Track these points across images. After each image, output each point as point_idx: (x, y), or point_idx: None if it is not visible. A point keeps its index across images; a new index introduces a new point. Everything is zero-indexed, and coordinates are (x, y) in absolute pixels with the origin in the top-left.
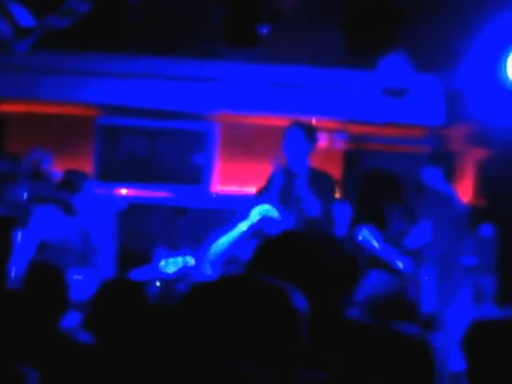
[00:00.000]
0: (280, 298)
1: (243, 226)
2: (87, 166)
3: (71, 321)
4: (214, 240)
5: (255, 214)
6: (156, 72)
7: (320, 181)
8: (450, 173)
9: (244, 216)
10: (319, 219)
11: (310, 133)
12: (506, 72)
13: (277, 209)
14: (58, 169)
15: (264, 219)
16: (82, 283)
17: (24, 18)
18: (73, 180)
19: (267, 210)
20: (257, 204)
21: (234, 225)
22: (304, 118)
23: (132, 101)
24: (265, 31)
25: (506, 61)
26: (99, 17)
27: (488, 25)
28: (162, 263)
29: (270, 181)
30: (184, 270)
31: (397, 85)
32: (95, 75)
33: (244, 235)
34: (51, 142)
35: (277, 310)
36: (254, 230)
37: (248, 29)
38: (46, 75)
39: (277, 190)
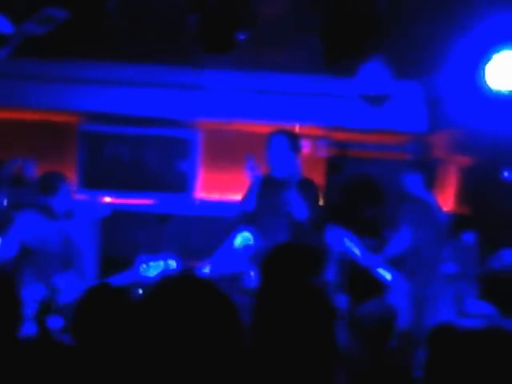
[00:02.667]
0: (217, 301)
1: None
2: (71, 173)
3: (54, 324)
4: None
5: (238, 242)
6: (140, 79)
7: (305, 187)
8: (431, 180)
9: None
10: (307, 224)
11: (294, 140)
12: (486, 78)
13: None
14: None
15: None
16: (64, 288)
17: (2, 24)
18: (49, 182)
19: (248, 238)
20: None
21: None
22: (287, 125)
23: (116, 108)
24: (242, 37)
25: (485, 68)
26: (81, 23)
27: (468, 32)
28: (143, 267)
29: (250, 187)
30: (166, 274)
31: (376, 92)
32: (79, 82)
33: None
34: (34, 149)
35: (212, 312)
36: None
37: (225, 35)
38: (29, 82)
39: (255, 197)
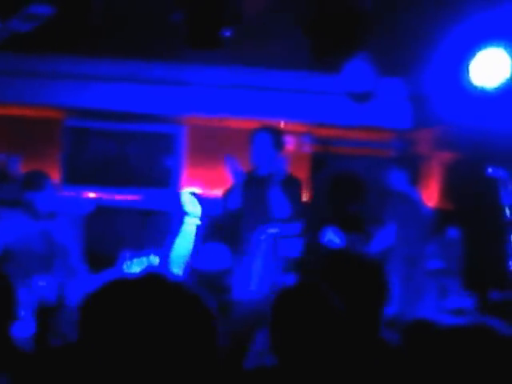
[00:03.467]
0: (193, 300)
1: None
2: (55, 168)
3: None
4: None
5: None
6: (124, 75)
7: (289, 185)
8: (415, 176)
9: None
10: (289, 221)
11: (277, 137)
12: (470, 75)
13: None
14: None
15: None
16: (45, 289)
17: None
18: (33, 180)
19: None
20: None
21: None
22: (271, 121)
23: (100, 103)
24: (228, 34)
25: (470, 64)
26: (66, 19)
27: (452, 29)
28: (127, 264)
29: (233, 185)
30: (149, 270)
31: (361, 88)
32: (63, 78)
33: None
34: (18, 144)
35: (188, 312)
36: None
37: (211, 31)
38: (14, 77)
39: (239, 192)
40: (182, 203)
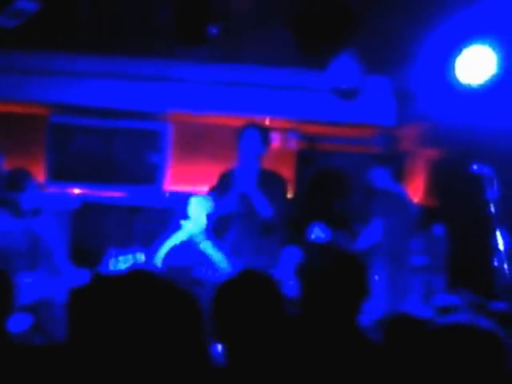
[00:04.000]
0: (181, 297)
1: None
2: (40, 165)
3: (23, 324)
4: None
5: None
6: (110, 71)
7: (270, 182)
8: (399, 173)
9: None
10: (271, 220)
11: (265, 135)
12: (455, 72)
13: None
14: (9, 168)
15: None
16: (31, 286)
17: None
18: (15, 179)
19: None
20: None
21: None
22: (257, 118)
23: (85, 100)
24: (214, 31)
25: (455, 61)
26: (51, 15)
27: (438, 26)
28: (112, 261)
29: (223, 180)
30: (135, 267)
31: (347, 85)
32: (49, 74)
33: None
34: (3, 140)
35: (176, 308)
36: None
37: (198, 28)
38: None
39: (230, 190)
40: (189, 207)
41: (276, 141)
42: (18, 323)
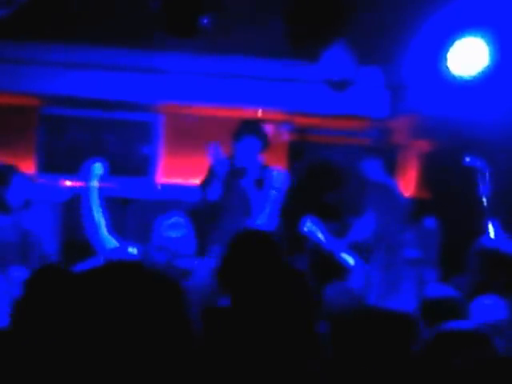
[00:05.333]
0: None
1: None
2: (30, 156)
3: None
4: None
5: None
6: (101, 62)
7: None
8: (390, 165)
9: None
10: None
11: (265, 140)
12: (448, 64)
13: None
14: (0, 160)
15: None
16: (21, 280)
17: None
18: (2, 174)
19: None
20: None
21: None
22: (249, 110)
23: (77, 91)
24: (206, 22)
25: (447, 53)
26: (41, 5)
27: (430, 18)
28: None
29: (212, 172)
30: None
31: (339, 77)
32: (39, 64)
33: None
34: None
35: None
36: None
37: (189, 19)
38: None
39: (220, 183)
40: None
41: (268, 133)
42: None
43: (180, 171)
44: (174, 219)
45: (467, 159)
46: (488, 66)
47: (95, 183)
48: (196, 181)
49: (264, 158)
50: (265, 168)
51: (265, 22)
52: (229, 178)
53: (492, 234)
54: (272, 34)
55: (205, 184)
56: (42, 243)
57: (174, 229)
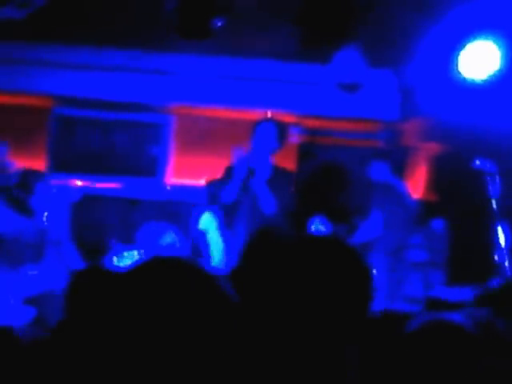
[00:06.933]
0: (211, 286)
1: None
2: (42, 156)
3: (25, 316)
4: None
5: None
6: (112, 64)
7: (277, 178)
8: (399, 167)
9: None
10: (275, 217)
11: (282, 130)
12: (459, 68)
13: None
14: (12, 159)
15: None
16: (36, 278)
17: None
18: (27, 180)
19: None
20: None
21: None
22: (259, 112)
23: (88, 92)
24: (219, 24)
25: (459, 57)
26: (56, 7)
27: (442, 21)
28: (116, 258)
29: (230, 172)
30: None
31: (351, 79)
32: (52, 66)
33: None
34: (5, 132)
35: (206, 298)
36: None
37: (202, 21)
38: (2, 65)
39: (237, 186)
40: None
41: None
42: (20, 316)
43: (190, 172)
44: (164, 226)
45: (477, 162)
46: (499, 70)
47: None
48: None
49: (274, 159)
50: (276, 169)
51: (276, 24)
52: (244, 181)
53: (501, 237)
54: (283, 36)
55: (219, 186)
56: (58, 242)
57: (165, 235)
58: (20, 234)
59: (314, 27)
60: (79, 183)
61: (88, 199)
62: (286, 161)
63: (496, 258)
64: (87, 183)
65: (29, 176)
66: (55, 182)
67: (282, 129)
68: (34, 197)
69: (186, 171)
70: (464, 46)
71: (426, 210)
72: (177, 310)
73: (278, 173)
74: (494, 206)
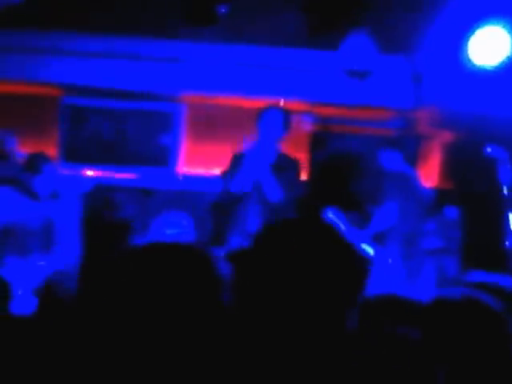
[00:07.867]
0: (203, 263)
1: None
2: (52, 146)
3: (29, 307)
4: None
5: None
6: (123, 52)
7: (285, 166)
8: (412, 155)
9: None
10: (280, 205)
11: (287, 118)
12: (469, 54)
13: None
14: (22, 149)
15: None
16: (44, 268)
17: None
18: (34, 162)
19: None
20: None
21: None
22: (271, 100)
23: (98, 81)
24: (224, 10)
25: (469, 43)
26: None
27: (453, 7)
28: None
29: (235, 161)
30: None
31: (360, 66)
32: (62, 55)
33: None
34: (17, 122)
35: (199, 275)
36: None
37: (207, 8)
38: (12, 54)
39: (245, 175)
40: None
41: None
42: (24, 306)
43: (202, 161)
44: (170, 216)
45: (489, 149)
46: (510, 55)
47: None
48: (217, 171)
49: (287, 148)
50: (281, 156)
51: (287, 10)
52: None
53: None
54: (294, 22)
55: (228, 175)
56: (65, 233)
57: (170, 226)
58: (27, 222)
59: (322, 12)
60: (91, 173)
61: (99, 189)
62: (299, 149)
63: (508, 243)
64: (99, 173)
65: (36, 158)
66: (66, 171)
67: (287, 116)
68: (39, 177)
69: (197, 160)
70: (473, 32)
71: (441, 197)
72: (176, 293)
73: (283, 160)
74: (506, 192)
